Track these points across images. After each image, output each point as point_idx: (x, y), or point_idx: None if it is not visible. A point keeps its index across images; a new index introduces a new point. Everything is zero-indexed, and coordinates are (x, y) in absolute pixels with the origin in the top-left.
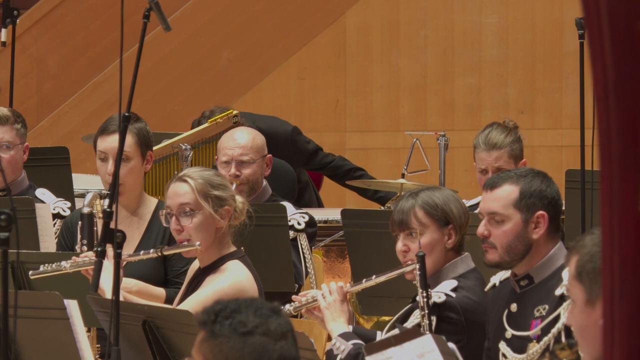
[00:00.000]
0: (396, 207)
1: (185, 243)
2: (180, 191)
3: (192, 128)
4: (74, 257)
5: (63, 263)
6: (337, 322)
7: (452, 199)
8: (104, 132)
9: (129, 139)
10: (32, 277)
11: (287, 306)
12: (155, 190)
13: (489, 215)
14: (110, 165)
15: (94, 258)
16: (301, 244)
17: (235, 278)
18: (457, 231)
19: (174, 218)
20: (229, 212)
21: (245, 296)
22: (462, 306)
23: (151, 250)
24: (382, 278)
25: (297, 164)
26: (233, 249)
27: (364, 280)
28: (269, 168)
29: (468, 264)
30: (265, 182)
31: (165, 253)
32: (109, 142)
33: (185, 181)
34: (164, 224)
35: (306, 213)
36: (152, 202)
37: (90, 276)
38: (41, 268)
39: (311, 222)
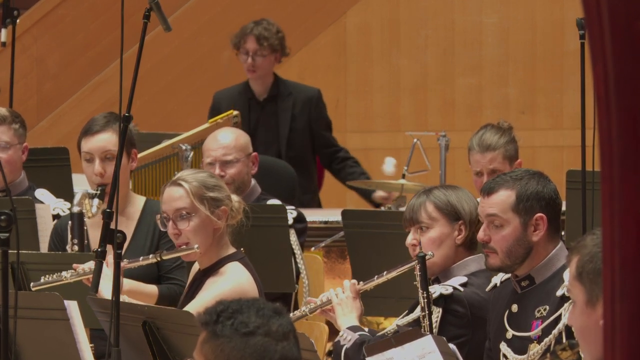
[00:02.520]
0: (409, 204)
1: (184, 247)
2: (176, 195)
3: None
4: (75, 265)
5: (64, 273)
6: (348, 317)
7: (466, 197)
8: (88, 133)
9: (114, 138)
10: (33, 289)
11: (304, 308)
12: (155, 191)
13: (487, 219)
14: (97, 166)
15: (93, 267)
16: (290, 240)
17: (235, 281)
18: (468, 227)
19: (170, 222)
20: (225, 213)
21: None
22: (469, 301)
23: (150, 256)
24: (393, 273)
25: (316, 129)
26: (232, 250)
27: (376, 277)
28: (255, 166)
29: (480, 264)
30: (253, 181)
31: (165, 258)
32: (94, 142)
33: (180, 185)
34: (161, 229)
35: (294, 209)
36: (139, 200)
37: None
38: (42, 279)
39: (299, 218)
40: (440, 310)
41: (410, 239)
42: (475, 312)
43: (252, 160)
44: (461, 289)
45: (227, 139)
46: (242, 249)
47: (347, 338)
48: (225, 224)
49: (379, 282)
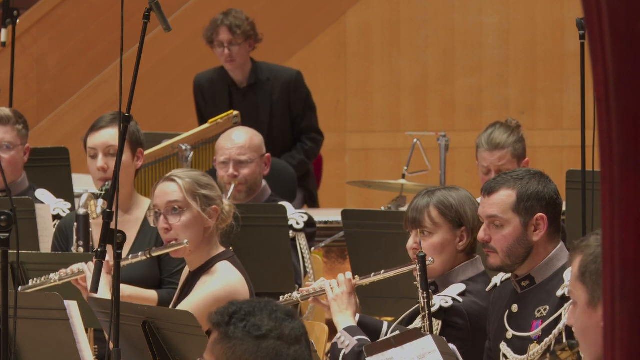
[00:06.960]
0: (411, 205)
1: (173, 242)
2: (169, 190)
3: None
4: (61, 270)
5: (52, 276)
6: (344, 315)
7: (468, 200)
8: (94, 129)
9: (117, 134)
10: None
11: (295, 294)
12: None
13: (488, 219)
14: (100, 160)
15: (81, 268)
16: (300, 244)
17: (226, 280)
18: (470, 233)
19: (162, 217)
20: (217, 212)
21: (237, 298)
22: (469, 312)
23: (140, 253)
24: (391, 273)
25: (295, 113)
26: (222, 249)
27: (373, 274)
28: (267, 167)
29: (478, 267)
30: (264, 183)
31: (154, 254)
32: (98, 138)
33: (174, 180)
34: (152, 224)
35: (305, 213)
36: (145, 202)
37: (80, 286)
38: (30, 282)
39: (310, 222)
40: (440, 322)
41: (411, 243)
42: (475, 322)
43: (265, 161)
44: (460, 299)
45: (242, 139)
46: (230, 248)
47: (346, 343)
48: (216, 224)
49: (376, 280)
